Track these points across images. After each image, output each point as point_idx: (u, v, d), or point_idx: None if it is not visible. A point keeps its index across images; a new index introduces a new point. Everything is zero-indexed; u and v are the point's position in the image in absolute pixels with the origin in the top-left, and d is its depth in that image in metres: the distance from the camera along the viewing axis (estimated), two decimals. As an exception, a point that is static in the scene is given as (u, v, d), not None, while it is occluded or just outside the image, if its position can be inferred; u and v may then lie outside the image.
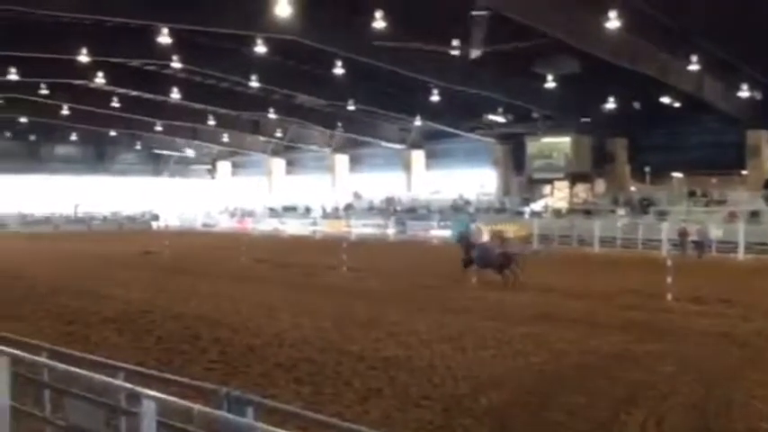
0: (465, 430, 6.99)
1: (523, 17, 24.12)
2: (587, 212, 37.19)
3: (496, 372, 9.23)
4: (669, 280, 15.33)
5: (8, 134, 57.88)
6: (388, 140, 51.54)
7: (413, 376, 8.96)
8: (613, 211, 35.82)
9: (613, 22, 23.59)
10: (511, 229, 35.24)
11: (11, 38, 28.96)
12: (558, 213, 38.84)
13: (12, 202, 50.96)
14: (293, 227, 46.37)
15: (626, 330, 12.24)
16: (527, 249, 24.05)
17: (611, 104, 36.95)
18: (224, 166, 68.17)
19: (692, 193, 35.64)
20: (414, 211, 45.46)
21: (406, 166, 51.91)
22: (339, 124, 50.41)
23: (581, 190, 41.30)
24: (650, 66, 29.27)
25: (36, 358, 4.87)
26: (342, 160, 56.80)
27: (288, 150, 60.54)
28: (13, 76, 34.47)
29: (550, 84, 33.18)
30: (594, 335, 11.82)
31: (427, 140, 50.65)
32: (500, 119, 41.61)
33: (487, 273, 18.82)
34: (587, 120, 39.10)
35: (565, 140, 40.17)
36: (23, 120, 52.91)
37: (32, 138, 59.07)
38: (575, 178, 40.77)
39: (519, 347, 10.69)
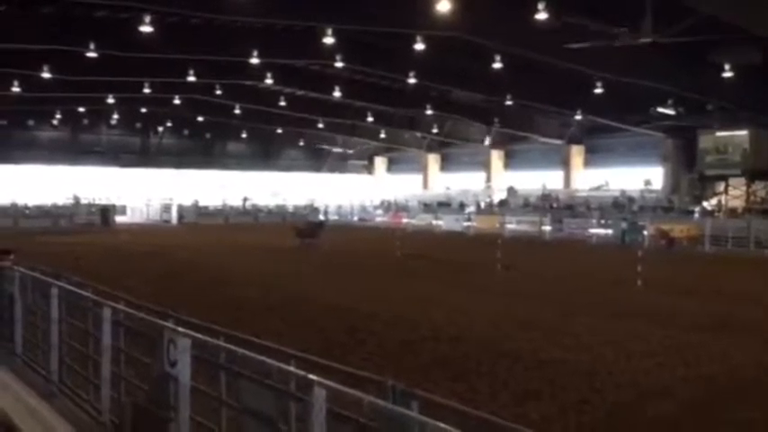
0: (630, 440, 6.67)
1: (698, 3, 22.52)
2: (766, 213, 34.18)
3: (664, 381, 8.72)
4: None
5: (186, 132, 62.76)
6: (546, 135, 50.21)
7: (572, 380, 8.68)
8: (797, 213, 32.68)
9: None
10: (678, 229, 33.28)
11: (189, 42, 31.23)
12: (732, 213, 36.03)
13: (189, 195, 55.18)
14: (447, 222, 46.48)
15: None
16: None
17: (796, 96, 33.67)
18: (380, 162, 69.70)
19: None
20: (571, 209, 44.00)
21: (565, 162, 50.34)
22: (495, 119, 49.81)
23: (759, 188, 38.02)
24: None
25: (216, 342, 5.18)
26: (497, 156, 56.15)
27: (443, 146, 60.75)
28: (191, 77, 37.18)
29: (727, 74, 30.76)
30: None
31: (587, 135, 48.79)
32: (670, 111, 39.16)
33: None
34: (768, 113, 35.88)
35: (742, 134, 37.08)
36: (200, 119, 57.09)
37: (207, 135, 63.64)
38: (753, 175, 37.55)
39: (689, 356, 10.03)
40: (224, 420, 5.12)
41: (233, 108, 51.24)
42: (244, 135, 63.56)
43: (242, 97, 47.58)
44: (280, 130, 62.05)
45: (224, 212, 54.62)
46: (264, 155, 67.48)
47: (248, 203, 57.33)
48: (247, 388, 4.62)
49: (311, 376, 3.76)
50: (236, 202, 57.21)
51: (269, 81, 39.18)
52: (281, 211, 57.28)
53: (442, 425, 3.04)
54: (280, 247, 29.89)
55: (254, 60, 33.48)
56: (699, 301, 15.59)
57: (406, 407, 3.53)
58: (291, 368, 4.21)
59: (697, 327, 12.41)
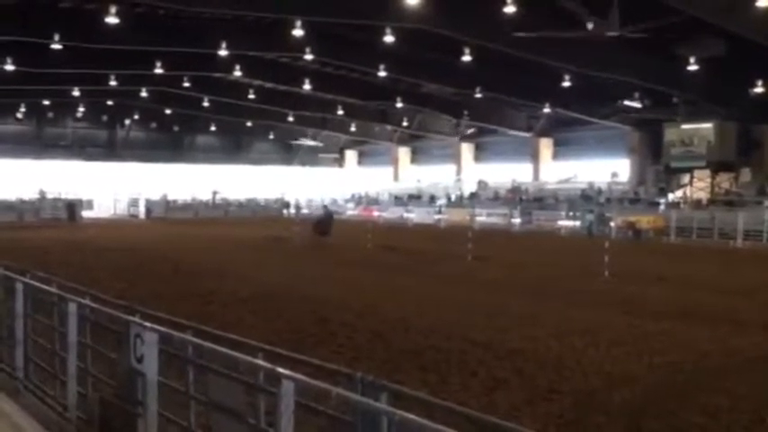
0: (597, 427, 6.77)
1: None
2: (730, 204, 34.87)
3: (631, 369, 8.86)
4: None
5: (154, 125, 61.95)
6: (515, 128, 50.61)
7: (541, 369, 8.78)
8: (760, 203, 33.36)
9: (764, 1, 21.86)
10: (645, 220, 33.80)
11: (156, 34, 30.83)
12: (697, 204, 36.69)
13: (158, 189, 54.53)
14: (418, 215, 46.63)
15: (772, 331, 11.40)
16: None
17: (759, 89, 34.34)
18: (351, 155, 69.60)
19: None
20: (540, 201, 44.44)
21: (534, 155, 50.80)
22: (465, 112, 50.04)
23: (724, 180, 38.76)
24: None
25: (183, 336, 5.14)
26: (467, 149, 56.42)
27: (413, 139, 60.88)
28: (158, 70, 36.71)
29: (693, 67, 31.26)
30: (737, 334, 11.09)
31: (556, 128, 49.26)
32: (636, 104, 39.72)
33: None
34: (733, 105, 36.54)
35: (707, 127, 37.73)
36: (168, 111, 56.40)
37: (176, 128, 62.89)
38: (717, 167, 38.27)
39: (655, 344, 10.20)
40: (192, 415, 5.08)
41: (202, 101, 50.73)
42: (213, 128, 62.97)
43: (211, 90, 47.12)
44: (249, 123, 61.62)
45: (193, 207, 54.10)
46: (234, 148, 66.97)
47: (218, 197, 56.83)
48: (215, 382, 4.60)
49: (279, 369, 3.75)
50: (205, 195, 56.68)
51: (238, 73, 38.89)
52: (251, 205, 56.91)
53: (410, 415, 3.05)
54: (251, 240, 29.73)
55: (223, 52, 33.18)
56: (665, 290, 15.87)
57: (374, 398, 3.54)
58: (259, 361, 4.19)
59: (663, 315, 12.63)
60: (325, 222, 30.85)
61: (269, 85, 46.16)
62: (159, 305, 10.19)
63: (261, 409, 4.28)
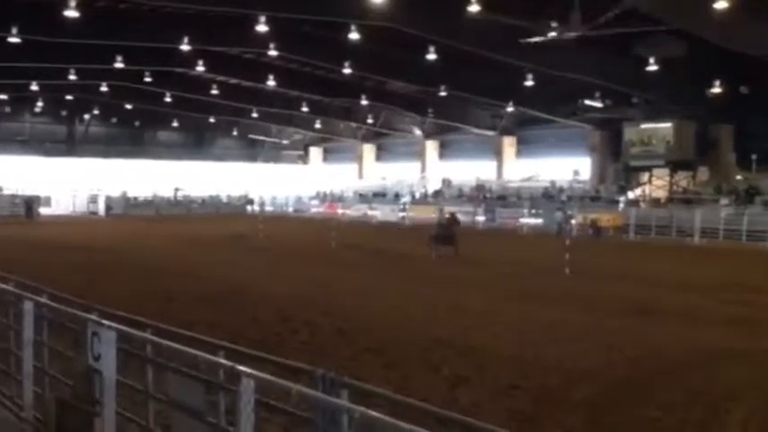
0: (556, 422, 6.87)
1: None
2: (688, 202, 35.62)
3: (590, 365, 9.01)
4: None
5: (114, 120, 60.89)
6: (479, 127, 50.95)
7: (502, 365, 8.87)
8: (716, 201, 34.15)
9: (722, 2, 22.35)
10: (605, 218, 34.34)
11: (117, 28, 30.33)
12: (656, 202, 37.40)
13: (117, 186, 53.62)
14: (382, 213, 46.68)
15: (728, 326, 11.69)
16: None
17: (716, 89, 35.14)
18: (316, 152, 69.36)
19: (802, 183, 33.50)
20: (504, 199, 44.85)
21: (497, 153, 51.21)
22: (430, 110, 50.23)
23: (682, 178, 39.57)
24: (760, 47, 27.58)
25: (141, 334, 5.08)
26: (432, 146, 56.65)
27: (378, 136, 60.91)
28: (119, 64, 36.10)
29: (652, 67, 31.84)
30: (694, 330, 11.35)
31: (519, 126, 49.73)
32: (597, 104, 40.32)
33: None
34: (691, 105, 37.32)
35: (666, 126, 38.47)
36: (129, 107, 55.47)
37: (137, 124, 61.89)
38: (675, 166, 39.07)
39: (614, 341, 10.38)
40: (151, 414, 5.02)
41: (163, 96, 50.02)
42: (175, 124, 62.16)
43: (173, 85, 46.51)
44: (213, 119, 60.96)
45: (155, 204, 53.32)
46: (197, 144, 66.21)
47: (180, 194, 56.10)
48: (175, 381, 4.55)
49: (239, 367, 3.72)
50: (167, 192, 55.88)
51: (201, 69, 38.44)
52: (214, 202, 56.32)
53: (370, 411, 3.06)
54: (214, 237, 29.43)
55: (186, 47, 32.77)
56: (624, 287, 16.15)
57: (335, 395, 3.54)
58: (219, 359, 4.16)
59: (622, 312, 12.86)
60: (447, 230, 23.25)
61: (233, 80, 45.74)
62: (118, 304, 10.01)
63: (221, 407, 4.25)
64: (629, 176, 41.63)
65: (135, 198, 53.48)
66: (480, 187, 48.57)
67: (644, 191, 40.29)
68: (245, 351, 4.76)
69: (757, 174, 35.45)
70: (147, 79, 43.03)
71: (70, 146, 59.41)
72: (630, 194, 39.54)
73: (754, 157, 35.62)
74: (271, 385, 3.59)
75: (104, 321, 5.08)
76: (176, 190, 56.19)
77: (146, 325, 5.52)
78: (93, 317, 5.39)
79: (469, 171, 52.15)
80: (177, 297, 13.82)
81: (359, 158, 62.34)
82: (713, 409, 7.25)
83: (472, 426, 3.28)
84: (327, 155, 68.98)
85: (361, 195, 54.15)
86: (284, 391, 3.47)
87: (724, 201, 33.68)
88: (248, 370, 3.62)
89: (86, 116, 59.67)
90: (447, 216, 25.54)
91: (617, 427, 6.77)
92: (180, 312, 11.89)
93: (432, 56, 32.22)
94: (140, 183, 56.25)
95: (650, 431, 6.66)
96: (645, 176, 41.01)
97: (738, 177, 36.94)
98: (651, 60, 31.52)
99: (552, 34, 26.24)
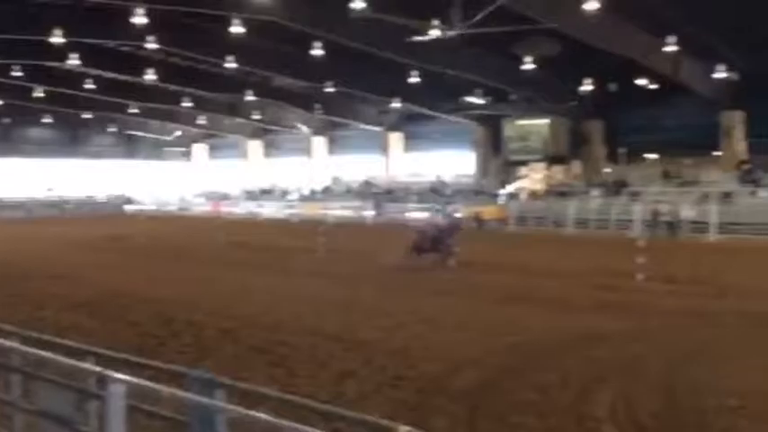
0: (438, 410, 7.06)
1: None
2: (563, 194, 37.46)
3: (472, 352, 9.32)
4: (641, 260, 15.49)
5: (-21, 117, 56.84)
6: (367, 122, 51.34)
7: (389, 357, 9.02)
8: (587, 193, 36.12)
9: (591, 3, 23.59)
10: (487, 211, 35.57)
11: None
12: (534, 195, 39.07)
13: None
14: (270, 210, 46.15)
15: (598, 310, 12.41)
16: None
17: (588, 86, 37.11)
18: (200, 149, 67.52)
19: (665, 174, 35.98)
20: (391, 194, 45.47)
21: (385, 149, 51.82)
22: (317, 106, 50.07)
23: (557, 172, 41.56)
24: (627, 47, 29.38)
25: (6, 343, 4.82)
26: (320, 142, 56.55)
27: (265, 133, 60.08)
28: (-17, 57, 33.76)
29: (528, 66, 33.20)
30: (569, 314, 11.98)
31: (406, 123, 50.51)
32: (479, 101, 41.61)
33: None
34: (565, 102, 39.26)
35: (542, 123, 40.29)
36: (-5, 102, 51.87)
37: (5, 120, 57.97)
38: (551, 160, 41.00)
39: (495, 328, 10.80)
40: (18, 425, 4.76)
41: (33, 90, 47.10)
42: (47, 120, 58.66)
43: (44, 79, 43.82)
44: (88, 115, 57.98)
45: (26, 205, 50.24)
46: (71, 141, 62.80)
47: (53, 194, 53.09)
48: (43, 390, 4.35)
49: (106, 372, 3.60)
50: (39, 193, 52.74)
51: (74, 62, 36.48)
52: (90, 202, 53.75)
53: (243, 410, 3.05)
54: (90, 239, 28.09)
55: (58, 40, 30.99)
56: (504, 276, 16.79)
57: (210, 396, 3.49)
58: (87, 365, 4.00)
59: (503, 300, 13.39)
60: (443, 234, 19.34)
61: (109, 74, 43.66)
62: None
63: (91, 414, 4.09)
64: (509, 171, 43.26)
65: (3, 199, 50.20)
66: (368, 183, 48.98)
67: (520, 184, 42.01)
68: (117, 356, 4.59)
69: (625, 166, 37.74)
70: (17, 73, 40.44)
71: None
72: (508, 188, 41.08)
73: (621, 150, 37.90)
74: (141, 390, 3.50)
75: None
76: (49, 190, 53.16)
77: (10, 333, 5.24)
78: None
79: (359, 166, 52.48)
80: (49, 302, 13.11)
81: (245, 155, 61.30)
82: (584, 391, 7.68)
83: (352, 418, 3.33)
84: (214, 151, 67.29)
85: (248, 192, 53.29)
86: (156, 395, 3.39)
87: (594, 192, 35.62)
88: (117, 375, 3.50)
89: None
90: (447, 217, 21.90)
91: (497, 411, 7.05)
92: (52, 319, 11.33)
93: (317, 52, 32.11)
94: (10, 183, 52.82)
95: (528, 413, 6.96)
96: (523, 170, 42.79)
97: (608, 170, 39.23)
98: (527, 59, 32.86)
99: (434, 32, 26.80)
